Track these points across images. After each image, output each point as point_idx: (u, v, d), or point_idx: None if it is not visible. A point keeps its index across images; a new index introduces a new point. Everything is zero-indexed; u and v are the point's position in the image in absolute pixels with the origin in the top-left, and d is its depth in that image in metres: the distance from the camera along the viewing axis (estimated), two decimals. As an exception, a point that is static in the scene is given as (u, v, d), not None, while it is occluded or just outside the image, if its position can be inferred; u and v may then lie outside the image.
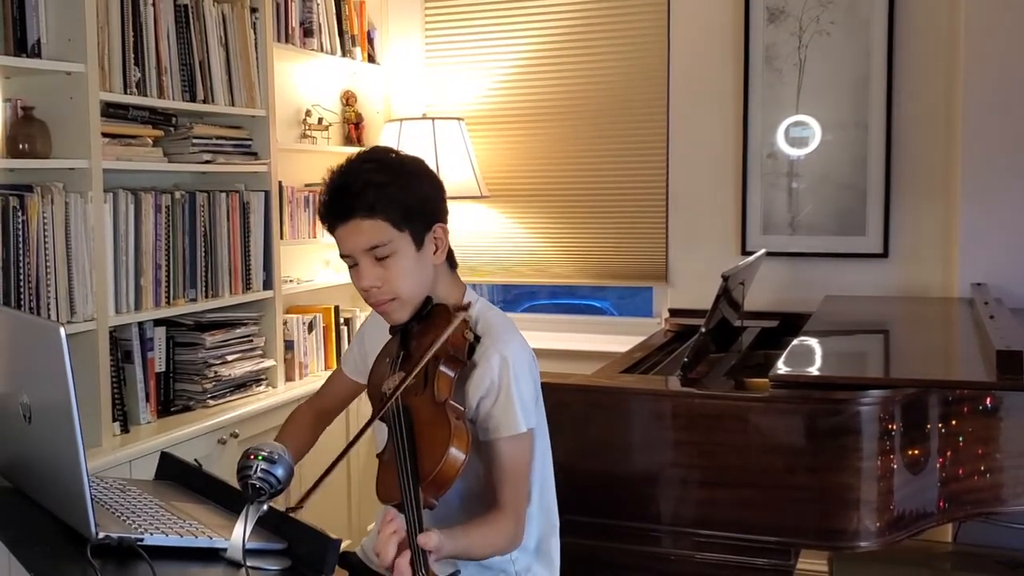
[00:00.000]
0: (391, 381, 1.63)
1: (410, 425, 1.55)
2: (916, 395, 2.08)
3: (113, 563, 1.28)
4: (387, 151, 1.73)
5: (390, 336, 1.74)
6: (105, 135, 2.54)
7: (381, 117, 3.98)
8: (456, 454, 1.49)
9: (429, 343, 1.58)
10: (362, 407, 3.47)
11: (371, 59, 3.91)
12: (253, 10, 3.12)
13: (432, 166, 1.80)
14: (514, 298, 4.56)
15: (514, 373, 1.62)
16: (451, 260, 1.77)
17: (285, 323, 3.29)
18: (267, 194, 3.15)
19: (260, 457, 1.35)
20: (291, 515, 1.42)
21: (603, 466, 2.26)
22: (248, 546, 1.30)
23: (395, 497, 1.47)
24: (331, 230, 1.67)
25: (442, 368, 1.57)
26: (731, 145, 3.53)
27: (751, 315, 3.16)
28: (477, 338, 1.65)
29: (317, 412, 2.00)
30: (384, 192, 1.62)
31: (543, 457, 1.76)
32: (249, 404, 2.96)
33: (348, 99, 3.88)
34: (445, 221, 1.72)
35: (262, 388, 3.11)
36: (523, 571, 1.72)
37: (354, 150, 3.82)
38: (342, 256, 1.68)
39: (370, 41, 3.91)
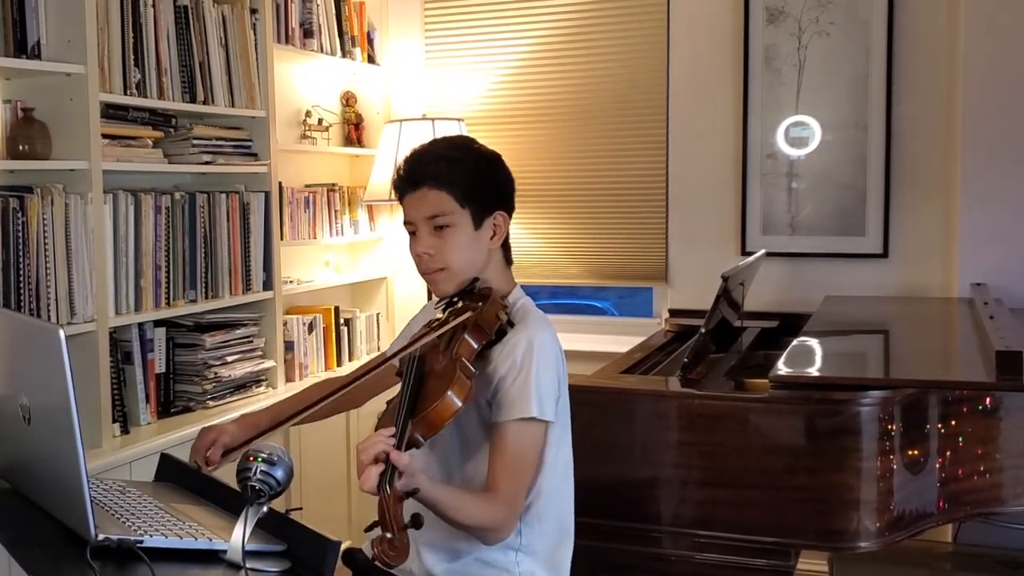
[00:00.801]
0: (417, 334, 1.69)
1: (421, 373, 1.60)
2: (916, 395, 2.08)
3: (113, 565, 1.28)
4: (470, 139, 1.85)
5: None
6: (105, 136, 2.55)
7: (381, 118, 3.98)
8: (452, 398, 1.52)
9: (466, 320, 1.65)
10: (361, 407, 3.47)
11: (371, 60, 3.91)
12: (253, 11, 3.12)
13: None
14: (514, 298, 4.56)
15: (537, 358, 1.64)
16: (508, 255, 1.83)
17: (285, 324, 3.29)
18: (267, 195, 3.15)
19: (260, 459, 1.35)
20: (291, 517, 1.42)
21: (603, 467, 2.26)
22: (248, 548, 1.30)
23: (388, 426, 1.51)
24: (401, 198, 1.76)
25: (466, 335, 1.62)
26: (731, 145, 3.53)
27: (751, 315, 3.16)
28: (511, 324, 1.70)
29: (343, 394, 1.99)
30: (454, 167, 1.72)
31: (564, 464, 1.76)
32: (249, 405, 2.96)
33: (348, 100, 3.89)
34: (509, 213, 1.79)
35: (262, 389, 3.12)
36: (527, 574, 1.71)
37: (354, 151, 3.87)
38: (405, 223, 1.77)
39: (370, 42, 3.91)
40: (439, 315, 1.77)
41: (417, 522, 1.36)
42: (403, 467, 1.39)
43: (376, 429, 1.60)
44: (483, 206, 1.74)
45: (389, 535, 1.33)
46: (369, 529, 1.37)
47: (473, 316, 1.63)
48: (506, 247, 1.82)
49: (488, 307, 1.65)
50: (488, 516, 1.59)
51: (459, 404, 1.52)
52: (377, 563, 1.34)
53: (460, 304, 1.73)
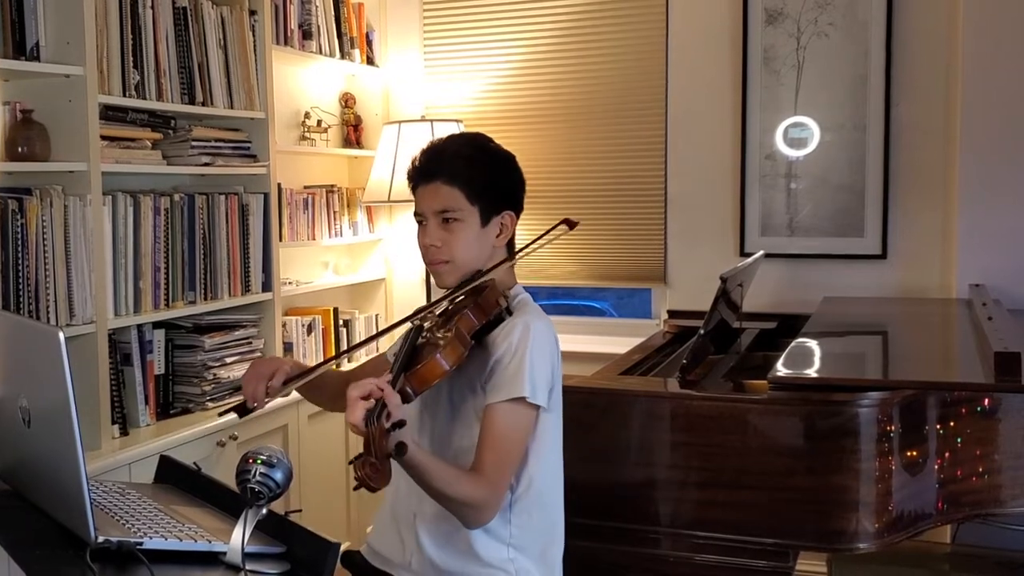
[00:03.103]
0: (420, 308, 1.77)
1: (419, 338, 1.66)
2: (914, 396, 2.08)
3: (112, 567, 1.28)
4: (488, 138, 1.90)
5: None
6: (104, 138, 2.55)
7: (380, 119, 3.98)
8: (441, 360, 1.56)
9: (467, 302, 1.70)
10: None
11: (370, 61, 3.91)
12: (252, 12, 3.12)
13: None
14: (513, 299, 4.56)
15: (533, 342, 1.67)
16: (512, 253, 1.87)
17: (284, 325, 3.29)
18: (266, 196, 3.15)
19: (259, 461, 1.36)
20: (290, 519, 1.42)
21: (602, 468, 2.26)
22: (247, 550, 1.31)
23: None
24: (413, 189, 1.81)
25: (467, 311, 1.66)
26: (729, 146, 3.53)
27: (750, 316, 3.16)
28: (509, 312, 1.74)
29: (348, 381, 2.00)
30: (469, 165, 1.77)
31: (553, 459, 1.76)
32: (248, 406, 2.96)
33: (347, 101, 3.89)
34: (517, 213, 1.85)
35: (261, 390, 3.11)
36: (523, 572, 1.72)
37: (353, 152, 3.87)
38: (416, 214, 1.81)
39: (369, 43, 3.92)
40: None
41: (401, 450, 1.41)
42: (393, 405, 1.43)
43: None
44: (492, 205, 1.79)
45: (373, 459, 1.37)
46: (352, 462, 1.40)
47: (474, 297, 1.68)
48: (511, 246, 1.86)
49: (489, 292, 1.70)
50: (470, 492, 1.60)
51: (447, 367, 1.57)
52: (359, 483, 1.37)
53: (461, 296, 1.77)
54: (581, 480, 2.21)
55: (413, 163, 1.82)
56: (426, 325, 1.72)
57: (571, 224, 1.83)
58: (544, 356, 1.69)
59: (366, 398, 1.44)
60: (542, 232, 1.83)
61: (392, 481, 1.77)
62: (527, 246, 1.82)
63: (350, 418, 1.43)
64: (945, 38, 3.25)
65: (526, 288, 1.90)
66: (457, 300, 1.76)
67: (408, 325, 1.76)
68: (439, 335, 1.64)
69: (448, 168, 1.76)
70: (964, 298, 3.09)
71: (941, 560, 2.81)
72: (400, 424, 1.42)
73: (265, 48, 3.16)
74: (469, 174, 1.76)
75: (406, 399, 1.53)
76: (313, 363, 3.45)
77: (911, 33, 3.30)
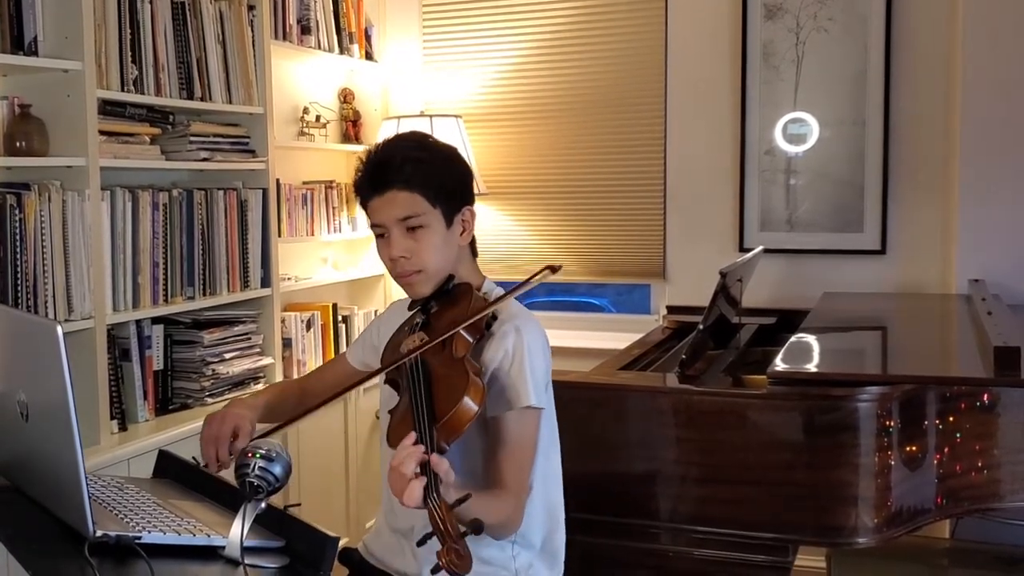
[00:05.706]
0: (410, 341, 1.66)
1: (428, 376, 1.58)
2: (914, 391, 2.08)
3: (111, 561, 1.28)
4: (425, 135, 1.82)
5: (409, 313, 1.78)
6: (102, 133, 2.54)
7: (379, 114, 3.97)
8: (470, 403, 1.50)
9: (452, 316, 1.64)
10: (360, 405, 3.48)
11: (368, 56, 3.91)
12: (250, 7, 3.11)
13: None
14: (512, 295, 4.55)
15: (528, 347, 1.65)
16: (473, 248, 1.82)
17: (283, 321, 3.29)
18: (265, 192, 3.15)
19: (258, 455, 1.36)
20: (289, 513, 1.42)
21: (601, 463, 2.26)
22: (246, 544, 1.30)
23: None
24: (365, 201, 1.73)
25: (462, 331, 1.61)
26: (729, 142, 3.53)
27: (749, 312, 3.16)
28: (494, 316, 1.69)
29: (305, 390, 1.97)
30: (422, 168, 1.69)
31: (549, 450, 1.76)
32: (247, 402, 2.96)
33: (346, 96, 3.88)
34: (473, 206, 1.79)
35: (260, 386, 3.11)
36: (524, 567, 1.72)
37: (352, 148, 3.86)
38: (373, 226, 1.73)
39: (367, 38, 3.91)
40: (417, 317, 1.74)
41: (477, 527, 1.35)
42: (444, 473, 1.38)
43: (389, 436, 1.57)
44: (453, 204, 1.72)
45: (456, 546, 1.30)
46: (422, 543, 1.35)
47: (466, 314, 1.62)
48: (472, 242, 1.81)
49: (475, 302, 1.65)
50: (503, 513, 1.59)
51: (476, 408, 1.51)
52: (443, 570, 1.30)
53: (438, 304, 1.72)
54: (581, 475, 2.20)
55: (360, 176, 1.73)
56: (427, 357, 1.60)
57: (554, 269, 1.69)
58: (540, 358, 1.68)
59: (416, 474, 1.36)
60: (527, 278, 1.69)
61: (386, 498, 1.77)
62: (512, 291, 1.67)
63: (409, 502, 1.35)
64: (944, 33, 3.25)
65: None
66: (435, 316, 1.70)
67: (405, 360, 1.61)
68: (444, 367, 1.57)
69: (401, 174, 1.67)
70: (963, 293, 3.09)
71: (940, 555, 2.81)
72: (466, 499, 1.36)
73: (264, 43, 3.15)
74: (424, 176, 1.68)
75: (442, 453, 1.46)
76: (310, 360, 3.47)
77: (910, 28, 3.30)
